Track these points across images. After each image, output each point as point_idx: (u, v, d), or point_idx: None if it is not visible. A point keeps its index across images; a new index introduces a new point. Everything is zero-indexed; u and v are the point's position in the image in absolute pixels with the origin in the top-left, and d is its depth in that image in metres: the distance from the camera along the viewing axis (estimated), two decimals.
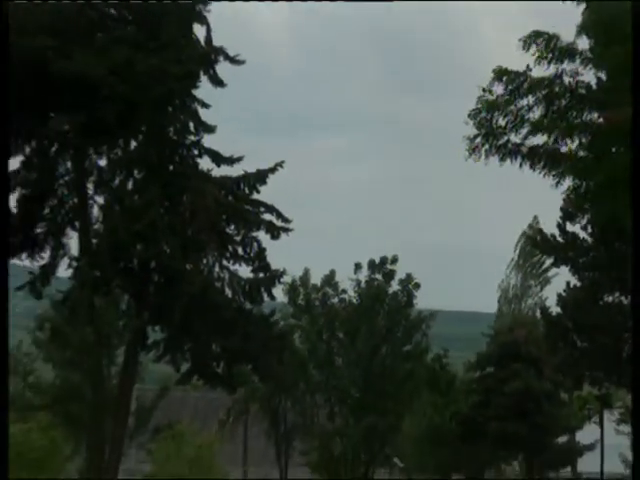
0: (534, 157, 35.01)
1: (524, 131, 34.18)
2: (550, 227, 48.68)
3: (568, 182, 35.71)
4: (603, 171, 33.04)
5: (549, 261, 50.89)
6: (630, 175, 10.92)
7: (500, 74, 33.81)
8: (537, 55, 33.40)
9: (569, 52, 34.30)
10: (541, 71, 34.30)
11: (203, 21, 38.14)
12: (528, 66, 33.84)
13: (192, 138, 39.13)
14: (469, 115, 33.91)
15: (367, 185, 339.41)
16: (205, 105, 38.76)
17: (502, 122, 34.00)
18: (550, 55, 33.73)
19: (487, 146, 34.06)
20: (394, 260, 49.73)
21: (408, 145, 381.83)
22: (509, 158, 34.57)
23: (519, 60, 34.83)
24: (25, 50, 31.87)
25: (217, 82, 38.48)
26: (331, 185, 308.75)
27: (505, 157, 34.59)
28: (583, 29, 34.51)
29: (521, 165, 34.31)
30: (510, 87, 34.12)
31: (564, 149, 35.36)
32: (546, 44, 34.03)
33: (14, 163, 37.34)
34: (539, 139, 34.73)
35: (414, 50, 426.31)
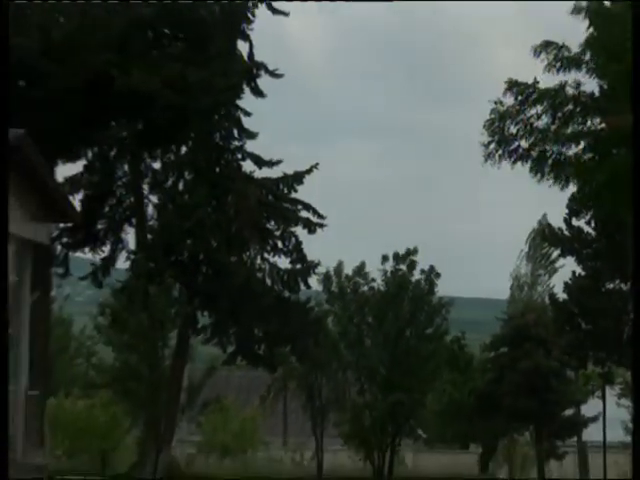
0: (543, 163, 35.16)
1: (533, 138, 34.35)
2: (557, 222, 48.97)
3: (572, 184, 36.06)
4: (604, 172, 33.12)
5: (556, 252, 50.77)
6: (631, 175, 10.75)
7: (511, 85, 33.96)
8: (546, 63, 33.49)
9: (576, 62, 34.35)
10: (549, 81, 34.45)
11: (246, 38, 38.31)
12: (536, 78, 33.97)
13: (236, 143, 39.26)
14: (484, 126, 34.07)
15: (393, 184, 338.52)
16: (247, 114, 38.90)
17: (513, 130, 34.12)
18: (559, 64, 33.78)
19: (500, 152, 34.23)
20: (415, 252, 49.79)
21: (426, 148, 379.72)
22: (520, 162, 34.73)
23: (528, 71, 34.91)
24: (91, 66, 32.09)
25: (258, 93, 38.63)
26: (361, 184, 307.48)
27: (516, 161, 34.74)
28: (587, 44, 34.58)
29: (530, 170, 34.51)
30: (520, 97, 34.24)
31: (570, 152, 35.58)
32: (555, 53, 34.12)
33: (77, 167, 37.78)
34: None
35: (431, 63, 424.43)
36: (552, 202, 70.90)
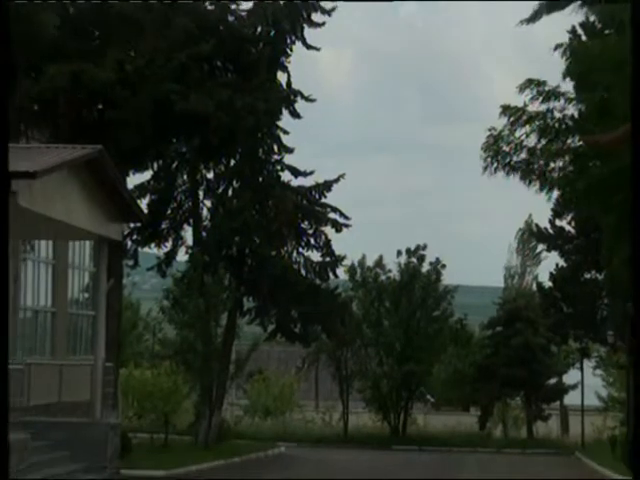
0: (531, 174, 35.18)
1: (523, 154, 34.35)
2: (543, 222, 49.10)
3: (556, 192, 36.05)
4: (583, 182, 33.07)
5: (542, 247, 50.67)
6: (631, 175, 10.54)
7: (505, 109, 33.96)
8: (530, 97, 33.54)
9: (554, 94, 34.36)
10: (536, 106, 34.49)
11: (285, 69, 38.42)
12: (525, 103, 33.98)
13: (276, 157, 39.41)
14: (481, 147, 34.16)
15: (407, 191, 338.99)
16: (286, 132, 38.95)
17: (506, 148, 34.15)
18: (540, 97, 33.82)
19: (495, 165, 34.27)
20: (425, 247, 49.85)
21: (436, 160, 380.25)
22: (512, 174, 34.76)
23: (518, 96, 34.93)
24: (157, 94, 32.21)
25: (295, 115, 38.72)
26: (381, 191, 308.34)
27: (509, 173, 34.76)
28: (567, 75, 34.53)
29: (520, 179, 34.52)
30: (512, 119, 34.24)
31: (554, 165, 35.59)
32: (537, 89, 34.16)
33: (145, 176, 38.04)
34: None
35: (441, 87, 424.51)
36: (538, 205, 71.27)
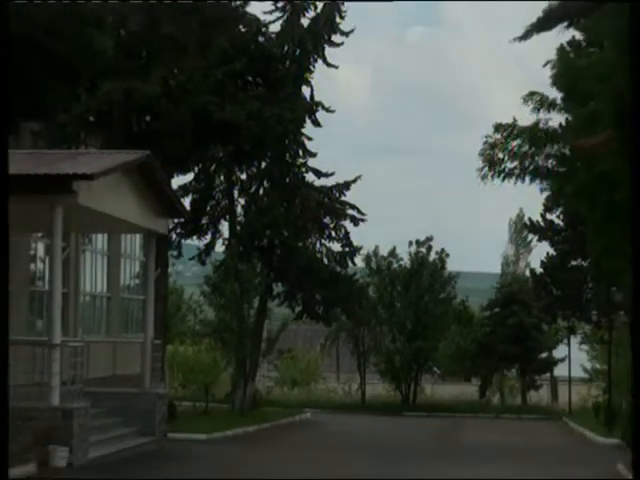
0: (524, 175, 35.21)
1: (516, 162, 34.41)
2: (532, 214, 49.39)
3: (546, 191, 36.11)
4: (571, 182, 33.01)
5: (534, 237, 50.71)
6: (630, 174, 10.21)
7: (497, 127, 34.11)
8: (532, 107, 33.62)
9: (551, 105, 34.36)
10: (526, 119, 34.59)
11: (308, 84, 38.46)
12: (515, 118, 34.05)
13: (301, 160, 39.36)
14: (479, 153, 34.24)
15: (416, 190, 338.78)
16: (309, 138, 38.92)
17: (501, 156, 34.19)
18: (540, 107, 33.87)
19: (491, 172, 34.35)
20: (432, 238, 49.91)
21: (440, 164, 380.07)
22: (506, 179, 34.80)
23: (517, 106, 34.84)
24: (197, 106, 32.30)
25: (317, 124, 38.77)
26: (393, 190, 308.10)
27: (504, 179, 34.80)
28: (554, 85, 34.48)
29: (515, 183, 34.54)
30: (505, 134, 34.32)
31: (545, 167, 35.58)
32: (538, 100, 34.18)
33: (187, 178, 38.18)
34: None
35: (446, 100, 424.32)
36: (529, 200, 71.35)
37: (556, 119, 35.23)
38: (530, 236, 50.42)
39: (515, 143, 34.58)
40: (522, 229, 53.91)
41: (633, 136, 8.96)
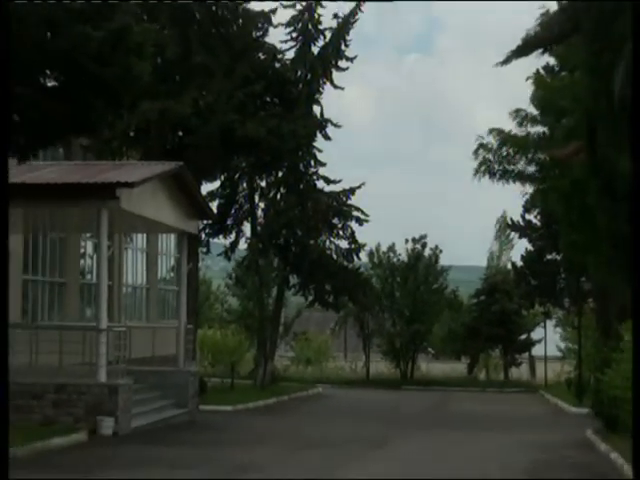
0: (510, 177, 35.24)
1: (503, 164, 34.45)
2: (513, 214, 49.41)
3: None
4: (548, 189, 33.03)
5: (515, 235, 50.73)
6: (632, 174, 9.96)
7: (491, 130, 34.15)
8: (518, 121, 33.70)
9: (533, 119, 34.37)
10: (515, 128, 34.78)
11: (318, 103, 38.55)
12: (509, 129, 34.22)
13: (312, 169, 39.39)
14: (473, 152, 34.36)
15: (412, 193, 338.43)
16: (320, 150, 39.02)
17: (491, 157, 34.25)
18: (524, 122, 33.94)
19: (482, 172, 34.44)
20: (426, 236, 49.95)
21: (435, 170, 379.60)
22: (493, 179, 34.85)
23: (499, 118, 34.86)
24: (222, 123, 32.37)
25: (326, 137, 38.79)
26: (393, 194, 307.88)
27: (492, 178, 34.85)
28: (532, 101, 34.46)
29: (503, 184, 34.64)
30: (495, 139, 34.39)
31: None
32: (521, 116, 34.24)
33: (215, 185, 38.19)
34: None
35: (438, 114, 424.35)
36: (511, 201, 71.73)
37: (536, 131, 35.45)
38: (512, 234, 50.21)
39: (503, 148, 34.78)
40: (505, 228, 53.72)
41: (633, 137, 8.80)
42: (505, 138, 34.99)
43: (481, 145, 35.05)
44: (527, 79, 35.05)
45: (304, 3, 38.57)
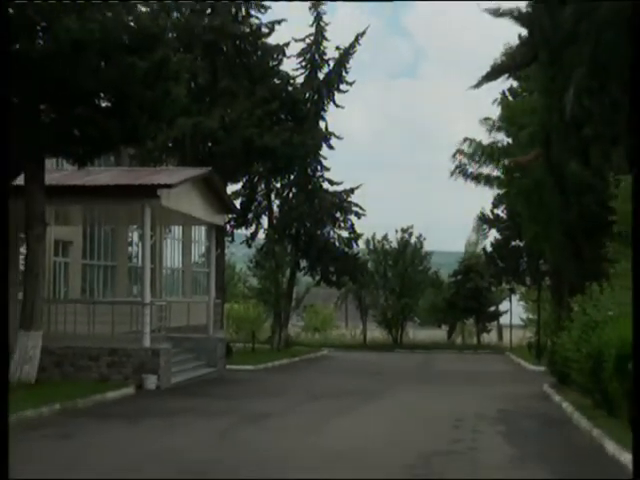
0: (481, 179, 35.26)
1: (475, 167, 34.56)
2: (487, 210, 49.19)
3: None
4: (512, 187, 33.08)
5: (486, 226, 50.53)
6: (632, 175, 9.71)
7: (466, 139, 34.25)
8: (487, 128, 33.81)
9: (499, 128, 34.41)
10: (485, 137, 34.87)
11: (323, 119, 38.53)
12: (479, 139, 34.27)
13: (319, 173, 39.42)
14: (451, 156, 34.42)
15: (404, 192, 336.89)
16: (324, 158, 39.12)
17: (465, 161, 34.31)
18: (492, 129, 34.02)
19: (457, 173, 34.52)
20: (411, 227, 49.92)
21: (422, 174, 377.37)
22: (469, 179, 34.93)
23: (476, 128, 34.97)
24: (244, 135, 32.31)
25: (330, 147, 38.80)
26: (386, 194, 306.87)
27: (466, 179, 34.93)
28: (500, 119, 34.49)
29: (475, 184, 34.71)
30: (469, 147, 34.46)
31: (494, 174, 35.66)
32: (489, 124, 34.27)
33: (238, 186, 38.16)
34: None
35: (423, 128, 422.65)
36: (485, 199, 71.43)
37: (502, 140, 35.52)
38: (485, 226, 50.08)
39: (475, 155, 34.88)
40: (479, 221, 53.53)
41: (633, 138, 8.62)
42: (476, 146, 35.10)
43: (458, 151, 35.17)
44: (494, 102, 35.19)
45: (312, 37, 38.70)
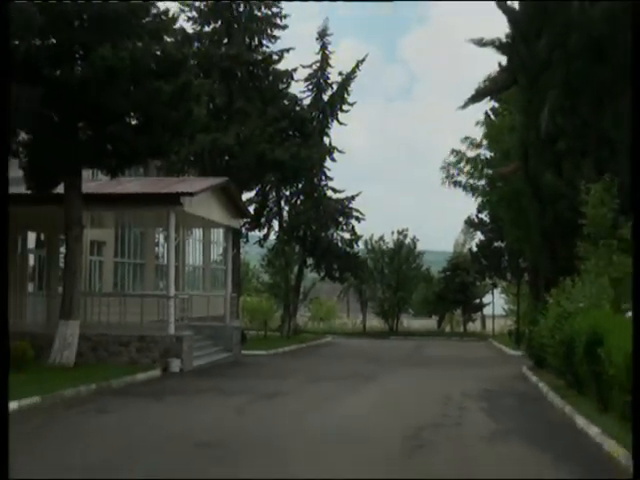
0: (467, 187, 35.22)
1: (463, 177, 34.57)
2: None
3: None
4: (494, 194, 33.07)
5: (472, 229, 50.47)
6: (631, 176, 9.70)
7: (453, 151, 34.22)
8: (467, 145, 33.78)
9: (478, 145, 34.37)
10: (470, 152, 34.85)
11: (328, 135, 38.55)
12: (464, 151, 34.25)
13: (323, 183, 39.34)
14: (440, 168, 34.40)
15: (399, 202, 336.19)
16: (328, 169, 39.10)
17: (453, 171, 34.30)
18: (472, 145, 33.99)
19: (447, 182, 34.53)
20: (406, 229, 50.16)
21: (415, 185, 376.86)
22: (457, 187, 34.93)
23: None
24: (257, 150, 32.51)
25: (333, 160, 38.81)
26: (382, 202, 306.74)
27: (456, 186, 34.94)
28: (484, 136, 34.46)
29: (462, 191, 34.70)
30: (456, 159, 34.45)
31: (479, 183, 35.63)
32: (470, 141, 34.24)
33: (251, 194, 38.03)
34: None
35: (414, 145, 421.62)
36: (472, 205, 71.25)
37: (485, 154, 35.52)
38: (471, 229, 50.12)
39: (462, 165, 34.95)
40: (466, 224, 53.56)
41: (633, 139, 8.48)
42: (460, 157, 35.13)
43: (448, 164, 35.24)
44: (477, 123, 35.17)
45: (318, 64, 38.74)
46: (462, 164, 35.20)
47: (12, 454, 6.91)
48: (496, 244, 46.18)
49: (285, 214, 39.60)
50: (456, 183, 35.66)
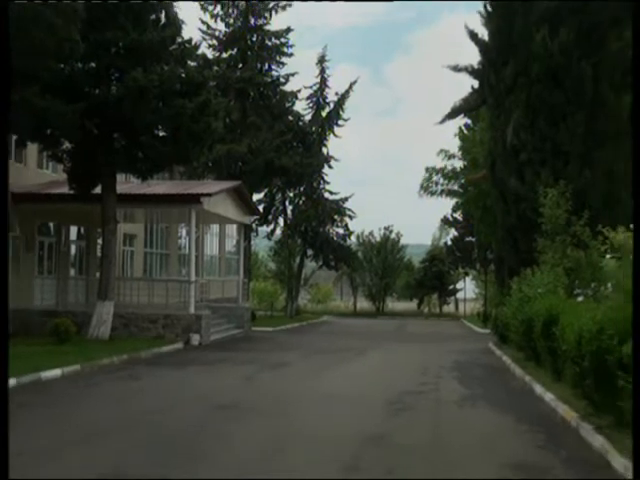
0: (443, 193, 35.02)
1: (439, 187, 34.36)
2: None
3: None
4: (465, 197, 32.98)
5: (447, 226, 50.30)
6: (631, 175, 9.41)
7: (428, 169, 34.03)
8: (442, 157, 33.55)
9: (451, 156, 34.18)
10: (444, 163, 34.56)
11: (326, 146, 38.34)
12: (441, 165, 34.02)
13: (321, 186, 39.17)
14: (420, 183, 34.11)
15: (388, 202, 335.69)
16: (326, 175, 38.94)
17: (435, 179, 34.10)
18: (446, 157, 33.78)
19: (424, 193, 34.35)
20: (391, 225, 50.15)
21: (403, 190, 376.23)
22: (433, 195, 34.78)
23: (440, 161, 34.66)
24: (266, 158, 32.39)
25: (330, 167, 38.74)
26: (372, 202, 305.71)
27: (432, 195, 34.80)
28: (459, 148, 34.29)
29: (439, 197, 34.51)
30: (431, 173, 34.19)
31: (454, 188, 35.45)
32: (444, 153, 34.10)
33: (260, 195, 37.72)
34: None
35: (400, 156, 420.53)
36: (448, 205, 71.06)
37: (457, 163, 35.46)
38: (446, 226, 50.04)
39: (436, 176, 34.84)
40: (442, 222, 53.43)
41: (634, 139, 8.19)
42: (432, 171, 35.13)
43: (428, 179, 35.20)
44: (455, 135, 35.07)
45: (318, 85, 38.68)
46: (435, 177, 35.16)
47: (62, 413, 6.85)
48: (467, 239, 46.21)
49: (289, 212, 39.57)
50: (432, 193, 35.70)
